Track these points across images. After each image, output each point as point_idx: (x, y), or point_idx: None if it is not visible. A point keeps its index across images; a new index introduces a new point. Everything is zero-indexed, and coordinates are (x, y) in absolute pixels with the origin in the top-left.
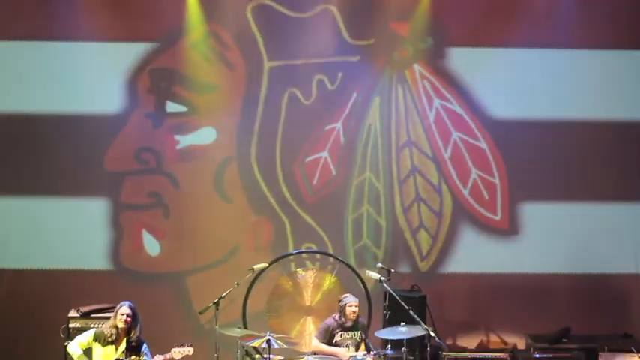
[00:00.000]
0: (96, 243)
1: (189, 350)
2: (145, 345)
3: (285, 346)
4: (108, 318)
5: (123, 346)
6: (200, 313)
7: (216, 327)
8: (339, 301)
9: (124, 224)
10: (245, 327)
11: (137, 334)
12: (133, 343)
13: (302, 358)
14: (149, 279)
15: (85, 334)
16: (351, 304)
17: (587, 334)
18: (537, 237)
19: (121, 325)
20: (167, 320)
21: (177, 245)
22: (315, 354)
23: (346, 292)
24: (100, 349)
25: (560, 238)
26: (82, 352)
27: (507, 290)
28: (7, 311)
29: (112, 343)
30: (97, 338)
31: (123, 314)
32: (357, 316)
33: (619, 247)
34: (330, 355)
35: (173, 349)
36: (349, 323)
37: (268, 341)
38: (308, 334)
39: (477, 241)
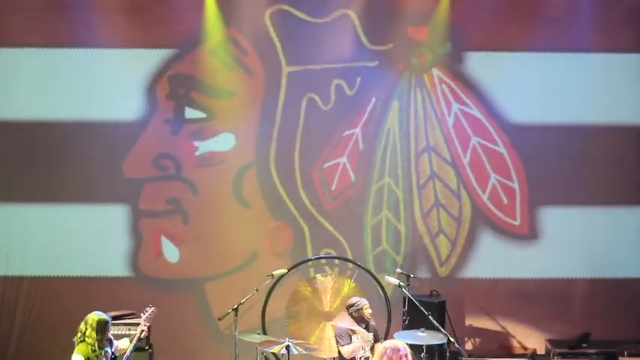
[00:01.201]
0: (115, 250)
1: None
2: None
3: (304, 352)
4: (127, 325)
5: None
6: (219, 319)
7: (236, 333)
8: (351, 306)
9: (142, 231)
10: (264, 333)
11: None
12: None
13: None
14: (168, 285)
15: None
16: (366, 306)
17: (607, 339)
18: (557, 242)
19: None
20: (186, 327)
21: (197, 251)
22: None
23: (365, 297)
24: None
25: (579, 243)
26: None
27: (527, 295)
28: (26, 317)
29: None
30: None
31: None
32: (370, 319)
33: (638, 252)
34: (359, 347)
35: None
36: (363, 325)
37: (287, 347)
38: (327, 340)
39: (496, 245)
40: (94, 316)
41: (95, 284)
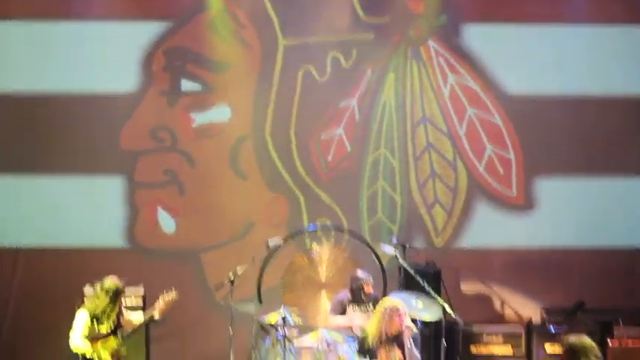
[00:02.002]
0: (111, 221)
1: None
2: None
3: (300, 321)
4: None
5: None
6: (215, 289)
7: (232, 303)
8: (353, 279)
9: (139, 202)
10: (260, 303)
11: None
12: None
13: (317, 332)
14: (164, 256)
15: (78, 319)
16: (368, 282)
17: (602, 308)
18: (552, 212)
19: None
20: (182, 297)
21: (193, 223)
22: (331, 328)
23: (360, 268)
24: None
25: (575, 213)
26: (90, 344)
27: (522, 265)
28: (22, 289)
29: (106, 317)
30: (95, 317)
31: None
32: (371, 290)
33: (634, 222)
34: (346, 326)
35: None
36: (365, 299)
37: (283, 317)
38: (323, 309)
39: (492, 216)
40: (111, 283)
41: (91, 256)
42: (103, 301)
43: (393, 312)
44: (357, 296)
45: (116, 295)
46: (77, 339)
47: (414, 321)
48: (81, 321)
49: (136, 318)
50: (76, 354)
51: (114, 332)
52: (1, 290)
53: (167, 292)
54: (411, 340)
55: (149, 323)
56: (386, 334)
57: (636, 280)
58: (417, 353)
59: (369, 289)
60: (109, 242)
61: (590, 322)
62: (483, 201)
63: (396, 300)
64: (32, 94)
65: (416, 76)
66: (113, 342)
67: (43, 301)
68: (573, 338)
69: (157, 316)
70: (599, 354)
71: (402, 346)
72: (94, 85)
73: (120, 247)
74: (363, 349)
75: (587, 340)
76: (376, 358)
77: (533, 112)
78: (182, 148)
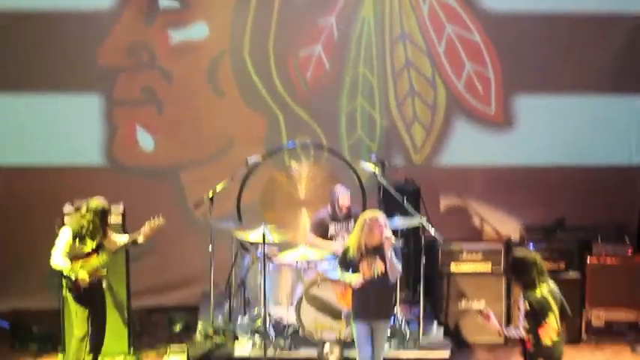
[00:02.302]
0: (89, 139)
1: (160, 220)
2: None
3: (279, 238)
4: None
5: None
6: (195, 207)
7: (211, 221)
8: (331, 193)
9: (117, 120)
10: (240, 220)
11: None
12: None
13: (296, 249)
14: (143, 174)
15: (61, 235)
16: (343, 196)
17: (581, 225)
18: (532, 129)
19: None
20: (162, 214)
21: (172, 140)
22: (311, 246)
23: (339, 185)
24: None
25: (554, 131)
26: (70, 263)
27: (502, 182)
28: (0, 208)
29: (89, 237)
30: (78, 236)
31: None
32: (349, 208)
33: (613, 139)
34: (324, 246)
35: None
36: (342, 214)
37: (263, 234)
38: (302, 227)
39: (471, 133)
40: (97, 202)
41: (70, 174)
42: (88, 220)
43: (373, 223)
44: (336, 212)
45: (102, 215)
46: (57, 256)
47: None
48: (63, 238)
49: (120, 240)
50: (55, 272)
51: (96, 252)
52: None
53: (154, 217)
54: (392, 251)
55: (132, 246)
56: (366, 246)
57: (615, 198)
58: (397, 264)
59: (344, 201)
60: (88, 160)
61: (569, 239)
62: (462, 119)
63: (376, 211)
64: (9, 10)
65: None
66: (95, 261)
67: (22, 220)
68: (519, 251)
69: (140, 240)
70: (544, 267)
71: (383, 258)
72: (71, 2)
73: (99, 165)
74: (345, 261)
75: (532, 253)
76: (358, 270)
77: (512, 29)
78: (160, 66)
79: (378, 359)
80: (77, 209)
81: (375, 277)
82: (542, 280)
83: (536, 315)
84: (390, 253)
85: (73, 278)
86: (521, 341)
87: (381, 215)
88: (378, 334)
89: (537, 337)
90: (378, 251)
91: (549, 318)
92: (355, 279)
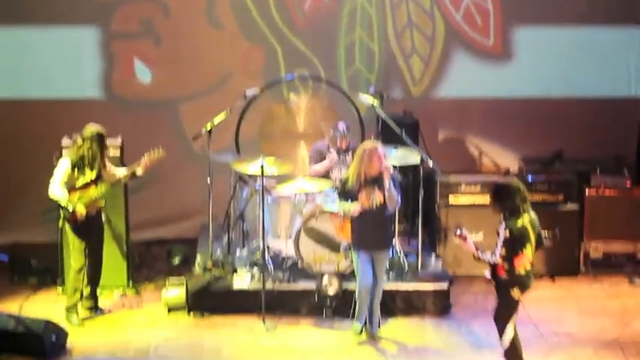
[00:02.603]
0: (87, 72)
1: (160, 152)
2: None
3: (277, 170)
4: None
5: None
6: (193, 139)
7: (210, 153)
8: (333, 129)
9: (115, 53)
10: (238, 153)
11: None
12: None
13: (295, 181)
14: (141, 107)
15: (59, 166)
16: (342, 138)
17: (579, 157)
18: (531, 61)
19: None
20: (160, 147)
21: (169, 73)
22: (310, 177)
23: (338, 118)
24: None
25: (553, 62)
26: (67, 193)
27: (501, 115)
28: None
29: (89, 166)
30: (76, 166)
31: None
32: (349, 143)
33: (613, 71)
34: (325, 169)
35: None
36: (341, 149)
37: (261, 166)
38: (301, 159)
39: (469, 65)
40: (92, 128)
41: (67, 107)
42: (87, 148)
43: (372, 153)
44: (336, 146)
45: (99, 140)
46: (55, 186)
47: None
48: (61, 169)
49: (119, 172)
50: (54, 205)
51: (95, 183)
52: None
53: (154, 149)
54: (390, 181)
55: (131, 178)
56: (365, 176)
57: (614, 130)
58: (395, 194)
59: (341, 143)
60: (86, 93)
61: (567, 171)
62: (461, 51)
63: (376, 142)
64: None
65: None
66: (93, 192)
67: (20, 154)
68: (504, 179)
69: (139, 172)
70: (527, 196)
71: (382, 188)
72: None
73: (96, 98)
74: (344, 192)
75: (516, 181)
76: (356, 200)
77: None
78: None
79: (379, 290)
80: (74, 142)
81: (374, 207)
82: (525, 208)
83: (515, 243)
84: (388, 183)
85: (71, 209)
86: (492, 267)
87: (380, 146)
88: (377, 265)
89: (512, 266)
90: (376, 181)
91: (526, 248)
92: (353, 207)
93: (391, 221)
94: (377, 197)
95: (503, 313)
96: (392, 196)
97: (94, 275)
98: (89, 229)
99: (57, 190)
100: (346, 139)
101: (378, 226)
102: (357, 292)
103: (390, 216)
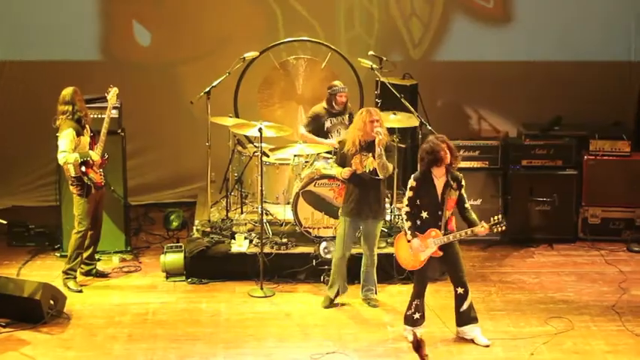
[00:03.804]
0: (86, 33)
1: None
2: None
3: (276, 134)
4: (99, 109)
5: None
6: (192, 102)
7: (208, 116)
8: (329, 88)
9: (113, 14)
10: (237, 116)
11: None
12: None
13: (293, 146)
14: (140, 69)
15: (65, 137)
16: (341, 94)
17: (578, 122)
18: (531, 24)
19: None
20: (158, 110)
21: (168, 35)
22: (304, 142)
23: (337, 81)
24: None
25: (554, 26)
26: (77, 154)
27: (500, 78)
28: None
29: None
30: (77, 132)
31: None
32: (346, 103)
33: (613, 35)
34: (315, 142)
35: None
36: (338, 110)
37: (260, 130)
38: (300, 123)
39: (469, 28)
40: (67, 90)
41: (66, 68)
42: (79, 107)
43: (368, 119)
44: (332, 107)
45: (73, 96)
46: (64, 153)
47: (391, 132)
48: (67, 138)
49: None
50: (52, 170)
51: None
52: None
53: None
54: (382, 148)
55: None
56: (360, 142)
57: (613, 95)
58: (387, 161)
59: (341, 98)
60: (84, 55)
61: (566, 136)
62: (461, 14)
63: (372, 108)
64: None
65: None
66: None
67: (19, 116)
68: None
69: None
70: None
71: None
72: None
73: (95, 59)
74: (340, 155)
75: None
76: (350, 165)
77: None
78: None
79: (369, 255)
80: (62, 113)
81: (367, 172)
82: None
83: None
84: (380, 149)
85: (88, 158)
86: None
87: (375, 112)
88: (367, 235)
89: None
90: (372, 148)
91: None
92: (345, 171)
93: (382, 190)
94: (370, 163)
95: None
96: (383, 164)
97: (94, 239)
98: (94, 193)
99: (67, 155)
100: (345, 94)
101: (370, 193)
102: (333, 260)
103: (382, 184)
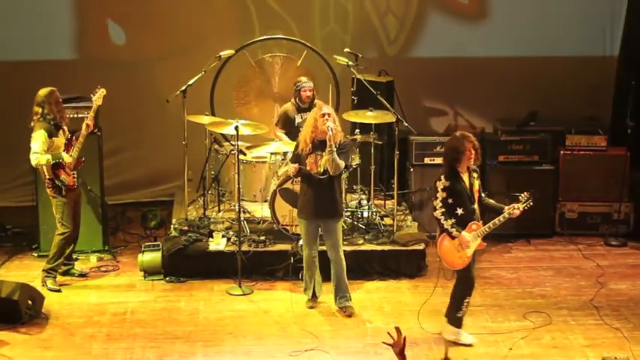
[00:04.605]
0: (60, 32)
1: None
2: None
3: (252, 132)
4: (75, 108)
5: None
6: (167, 101)
7: (185, 115)
8: (294, 84)
9: (87, 12)
10: (213, 114)
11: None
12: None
13: (270, 144)
14: (115, 67)
15: (37, 139)
16: (305, 89)
17: (554, 117)
18: (506, 21)
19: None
20: (135, 109)
21: (143, 34)
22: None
23: (312, 78)
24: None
25: (528, 21)
26: (49, 155)
27: (475, 74)
28: None
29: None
30: (50, 133)
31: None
32: (312, 98)
33: (588, 30)
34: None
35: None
36: (306, 105)
37: (236, 128)
38: (276, 121)
39: (445, 24)
40: (42, 91)
41: (41, 68)
42: (52, 110)
43: (320, 116)
44: (301, 103)
45: (54, 95)
46: (36, 155)
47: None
48: (39, 139)
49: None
50: (30, 170)
51: (69, 142)
52: None
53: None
54: (334, 144)
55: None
56: (313, 140)
57: (589, 90)
58: (337, 158)
59: (306, 93)
60: (58, 54)
61: (542, 131)
62: (436, 10)
63: (324, 105)
64: None
65: None
66: (67, 158)
67: None
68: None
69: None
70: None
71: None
72: None
73: (69, 58)
74: (294, 156)
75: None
76: (305, 165)
77: None
78: None
79: (335, 258)
80: (35, 114)
81: (322, 171)
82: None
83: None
84: (331, 144)
85: (59, 160)
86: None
87: (328, 108)
88: (328, 235)
89: None
90: (325, 146)
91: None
92: (291, 168)
93: (337, 188)
94: (324, 162)
95: None
96: (331, 159)
97: (72, 239)
98: (72, 194)
99: (39, 156)
100: (309, 88)
101: (323, 192)
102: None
103: (337, 182)
